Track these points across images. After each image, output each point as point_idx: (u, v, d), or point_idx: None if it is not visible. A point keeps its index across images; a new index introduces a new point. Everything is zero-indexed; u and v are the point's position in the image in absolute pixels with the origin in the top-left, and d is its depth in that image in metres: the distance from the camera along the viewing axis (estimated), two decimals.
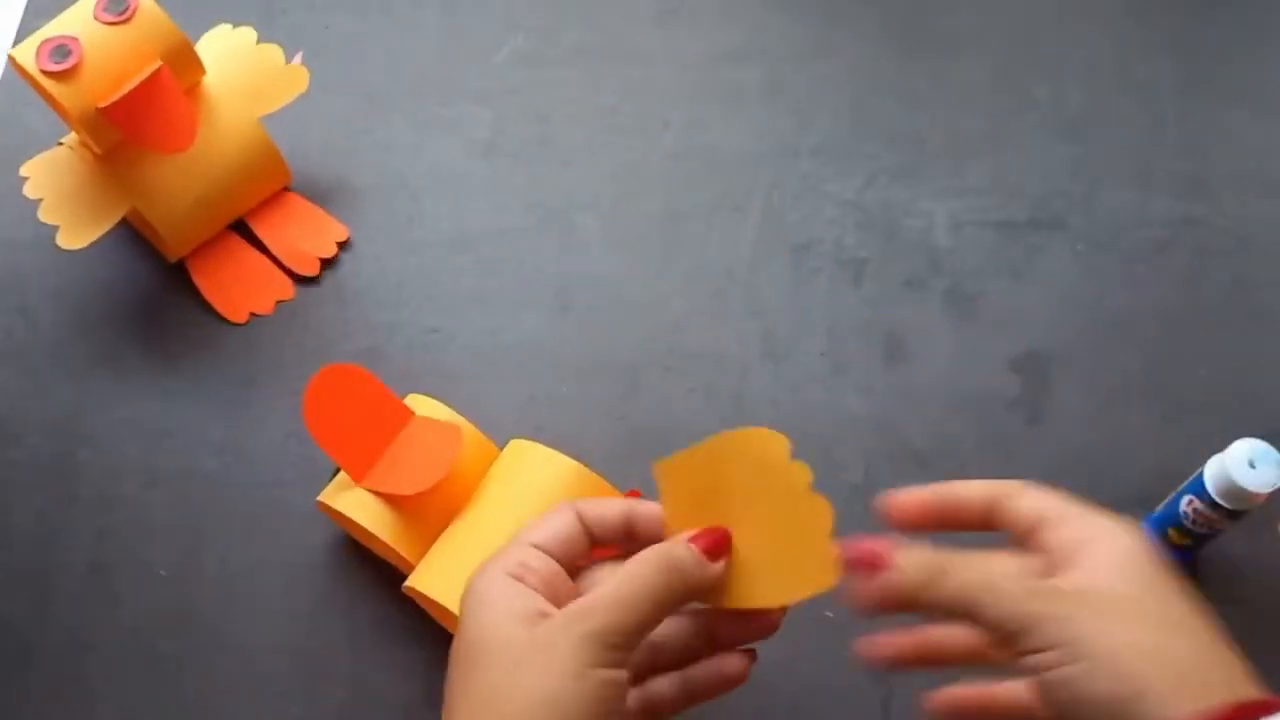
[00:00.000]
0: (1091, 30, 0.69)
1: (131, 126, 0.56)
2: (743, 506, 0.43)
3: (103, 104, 0.55)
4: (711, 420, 0.59)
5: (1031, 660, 0.35)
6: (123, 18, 0.56)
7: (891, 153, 0.66)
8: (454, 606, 0.49)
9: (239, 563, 0.57)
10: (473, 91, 0.68)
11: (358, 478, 0.52)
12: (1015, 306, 0.62)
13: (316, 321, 0.62)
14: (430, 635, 0.55)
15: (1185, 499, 0.53)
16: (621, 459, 0.57)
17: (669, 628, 0.43)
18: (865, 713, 0.53)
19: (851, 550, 0.40)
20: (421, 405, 0.55)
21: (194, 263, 0.62)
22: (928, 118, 0.67)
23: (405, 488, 0.51)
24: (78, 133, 0.58)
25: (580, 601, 0.40)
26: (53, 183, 0.59)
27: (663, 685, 0.43)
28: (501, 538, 0.50)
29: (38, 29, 0.57)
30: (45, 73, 0.55)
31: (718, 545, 0.42)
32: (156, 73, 0.56)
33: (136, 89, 0.55)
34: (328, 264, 0.63)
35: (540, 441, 0.53)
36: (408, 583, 0.51)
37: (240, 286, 0.62)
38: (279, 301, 0.62)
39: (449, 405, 0.54)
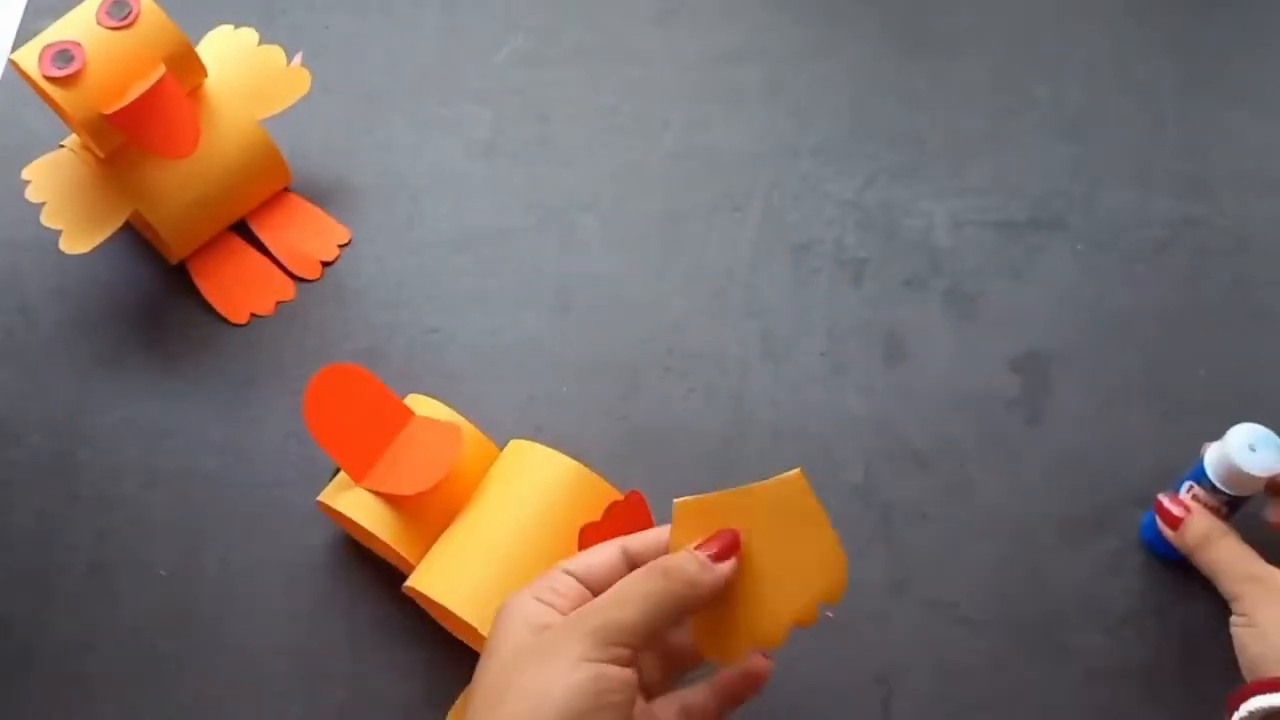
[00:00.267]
0: (1091, 30, 0.69)
1: (136, 132, 0.57)
2: (755, 553, 0.43)
3: (107, 110, 0.55)
4: (712, 420, 0.59)
5: (1235, 618, 0.50)
6: (125, 22, 0.56)
7: (891, 153, 0.66)
8: (454, 606, 0.49)
9: (239, 563, 0.57)
10: (473, 91, 0.68)
11: (358, 478, 0.53)
12: (1015, 306, 0.62)
13: (316, 321, 0.62)
14: (430, 635, 0.55)
15: (1185, 486, 0.54)
16: (621, 459, 0.57)
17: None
18: (865, 713, 0.53)
19: (1161, 505, 0.54)
20: (421, 405, 0.55)
21: (195, 264, 0.63)
22: (928, 118, 0.67)
23: (405, 488, 0.51)
24: (80, 137, 0.59)
25: (585, 605, 0.41)
26: (55, 186, 0.59)
27: (696, 695, 0.44)
28: (502, 538, 0.51)
29: (38, 30, 0.57)
30: (48, 78, 0.55)
31: (726, 548, 0.43)
32: (161, 80, 0.56)
33: (142, 96, 0.55)
34: (328, 264, 0.63)
35: (540, 441, 0.53)
36: (408, 583, 0.52)
37: (241, 287, 0.62)
38: (279, 302, 0.63)
39: (449, 405, 0.55)
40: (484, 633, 0.48)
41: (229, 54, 0.62)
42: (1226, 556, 0.52)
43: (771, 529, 0.43)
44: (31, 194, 0.59)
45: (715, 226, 0.64)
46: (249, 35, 0.63)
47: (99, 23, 0.56)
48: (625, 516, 0.51)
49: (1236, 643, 0.50)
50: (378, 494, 0.52)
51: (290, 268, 0.63)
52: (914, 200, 0.65)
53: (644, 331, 0.62)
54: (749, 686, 0.44)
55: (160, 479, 0.58)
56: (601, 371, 0.61)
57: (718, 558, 0.42)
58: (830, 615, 0.43)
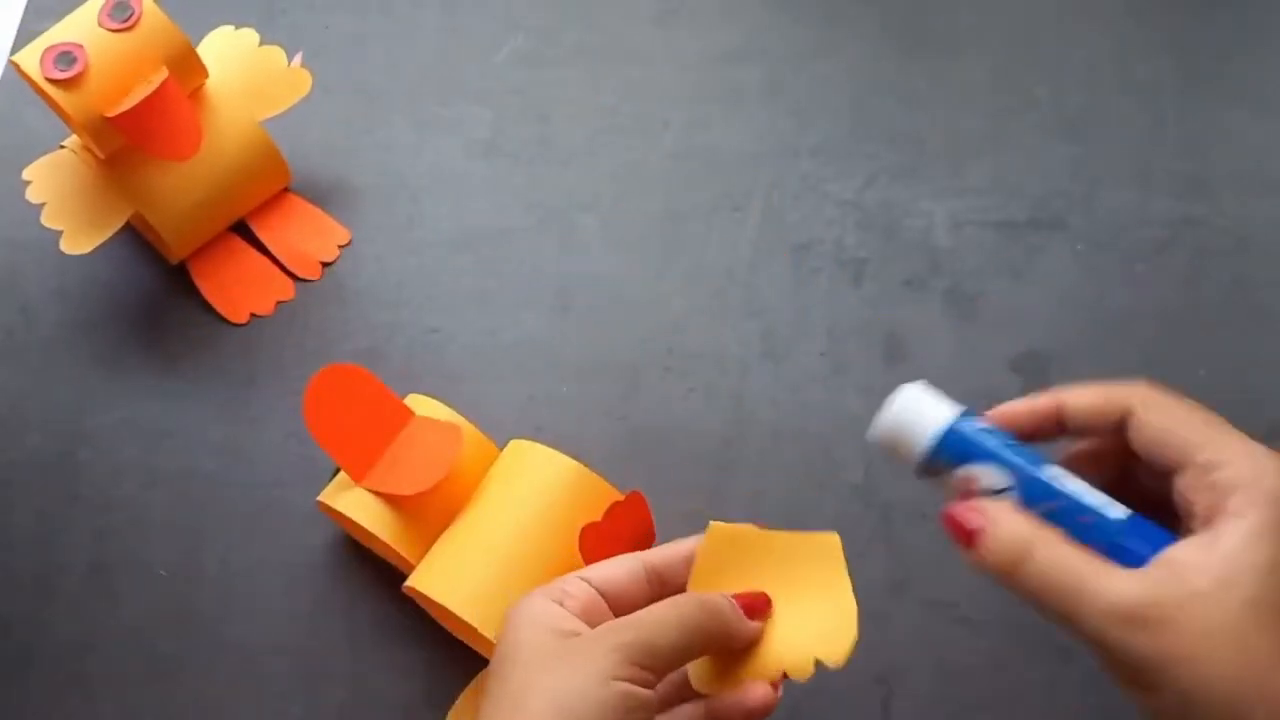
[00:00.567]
0: (1091, 30, 0.69)
1: (139, 135, 0.57)
2: (772, 596, 0.44)
3: (109, 113, 0.55)
4: (712, 420, 0.59)
5: (1125, 690, 0.35)
6: (127, 24, 0.56)
7: (891, 153, 0.66)
8: (454, 606, 0.49)
9: (239, 563, 0.57)
10: (473, 91, 0.68)
11: (358, 478, 0.53)
12: (1015, 306, 0.62)
13: (316, 321, 0.62)
14: (430, 635, 0.55)
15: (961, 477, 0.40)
16: (621, 459, 0.57)
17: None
18: (865, 713, 0.53)
19: (947, 519, 0.38)
20: (421, 405, 0.55)
21: (195, 264, 0.63)
22: (928, 118, 0.67)
23: (405, 488, 0.51)
24: (81, 138, 0.59)
25: (618, 619, 0.41)
26: (55, 187, 0.59)
27: (687, 711, 0.43)
28: (502, 538, 0.51)
29: (38, 31, 0.57)
30: (50, 80, 0.55)
31: (757, 608, 0.43)
32: (163, 83, 0.56)
33: (144, 100, 0.55)
34: (328, 264, 0.64)
35: (540, 441, 0.53)
36: (408, 583, 0.52)
37: (241, 287, 0.62)
38: (279, 302, 0.63)
39: (449, 405, 0.55)
40: (484, 633, 0.48)
41: (229, 55, 0.62)
42: (1064, 580, 0.35)
43: (794, 578, 0.44)
44: (32, 195, 0.59)
45: (715, 226, 0.64)
46: (249, 36, 0.63)
47: (101, 25, 0.56)
48: (626, 517, 0.51)
49: None
50: (378, 494, 0.52)
51: (290, 268, 0.63)
52: (914, 200, 0.65)
53: (644, 331, 0.62)
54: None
55: (160, 479, 0.59)
56: (601, 371, 0.61)
57: (749, 614, 0.43)
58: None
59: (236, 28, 0.63)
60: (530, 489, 0.52)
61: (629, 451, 0.59)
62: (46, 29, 0.56)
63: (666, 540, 0.53)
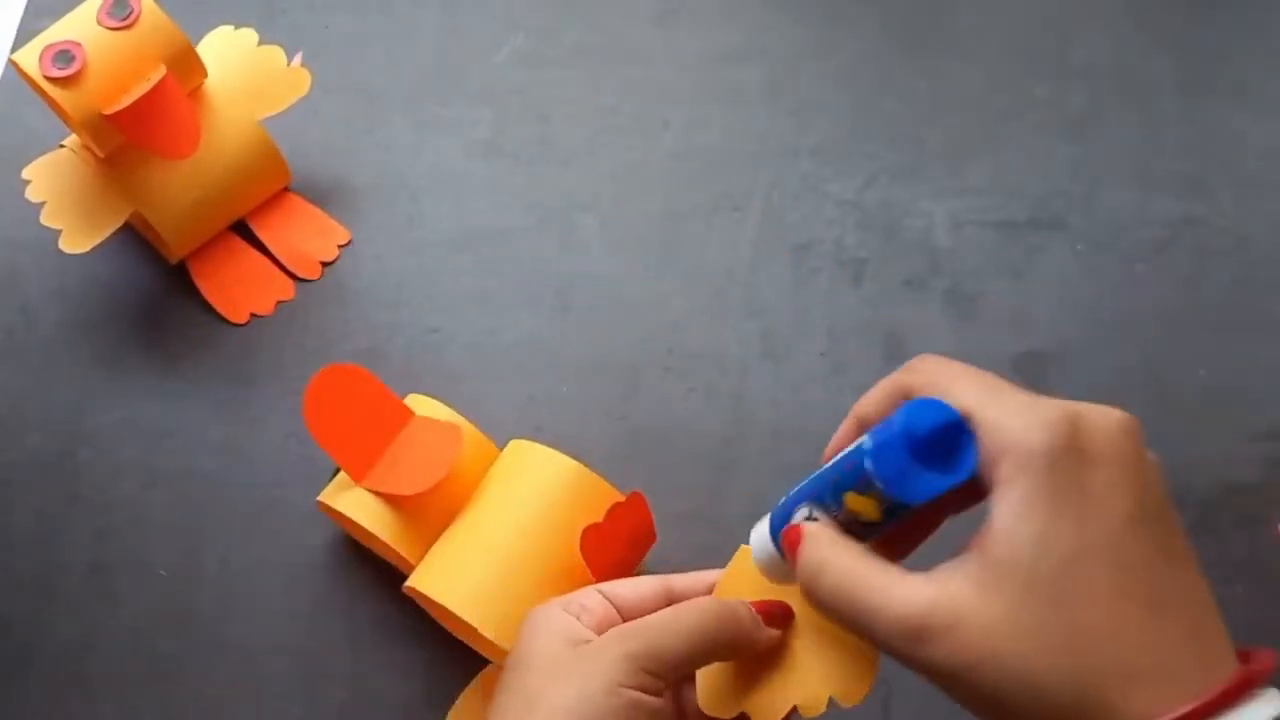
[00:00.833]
0: (1091, 30, 0.69)
1: (137, 133, 0.57)
2: (795, 628, 0.42)
3: (108, 111, 0.55)
4: (712, 420, 0.59)
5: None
6: (126, 22, 0.56)
7: (891, 153, 0.66)
8: (454, 606, 0.49)
9: (239, 563, 0.57)
10: (473, 91, 0.68)
11: (358, 478, 0.53)
12: (1015, 306, 0.62)
13: (316, 321, 0.62)
14: (430, 635, 0.55)
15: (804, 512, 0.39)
16: (621, 459, 0.57)
17: None
18: (865, 713, 0.53)
19: (784, 544, 0.38)
20: (421, 405, 0.55)
21: (195, 264, 0.63)
22: (928, 118, 0.67)
23: (405, 488, 0.51)
24: (80, 137, 0.59)
25: (627, 624, 0.40)
26: (55, 186, 0.59)
27: None
28: (502, 538, 0.51)
29: (38, 30, 0.57)
30: (49, 78, 0.55)
31: (778, 617, 0.41)
32: (162, 81, 0.56)
33: (143, 97, 0.55)
34: (328, 264, 0.64)
35: (540, 441, 0.53)
36: (408, 583, 0.52)
37: (241, 287, 0.62)
38: (279, 302, 0.63)
39: (449, 405, 0.55)
40: (484, 632, 0.48)
41: (229, 54, 0.62)
42: (850, 593, 0.34)
43: (820, 615, 0.43)
44: (31, 194, 0.59)
45: (715, 226, 0.64)
46: (249, 35, 0.63)
47: (100, 23, 0.56)
48: (626, 517, 0.51)
49: None
50: (378, 494, 0.52)
51: (290, 268, 0.63)
52: (914, 200, 0.65)
53: (644, 331, 0.62)
54: None
55: (160, 479, 0.58)
56: (601, 371, 0.61)
57: (767, 622, 0.41)
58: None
59: (236, 27, 0.63)
60: (530, 489, 0.52)
61: (629, 451, 0.59)
62: (47, 28, 0.56)
63: (666, 540, 0.54)
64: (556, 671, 0.39)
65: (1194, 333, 0.61)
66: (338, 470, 0.54)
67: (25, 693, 0.54)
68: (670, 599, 0.44)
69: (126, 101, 0.55)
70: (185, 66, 0.58)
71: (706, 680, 0.43)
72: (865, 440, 0.35)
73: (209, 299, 0.62)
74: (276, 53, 0.62)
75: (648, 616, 0.40)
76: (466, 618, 0.49)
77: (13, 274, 0.63)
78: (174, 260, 0.63)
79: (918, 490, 0.34)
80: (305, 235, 0.64)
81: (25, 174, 0.59)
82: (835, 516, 0.37)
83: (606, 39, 0.69)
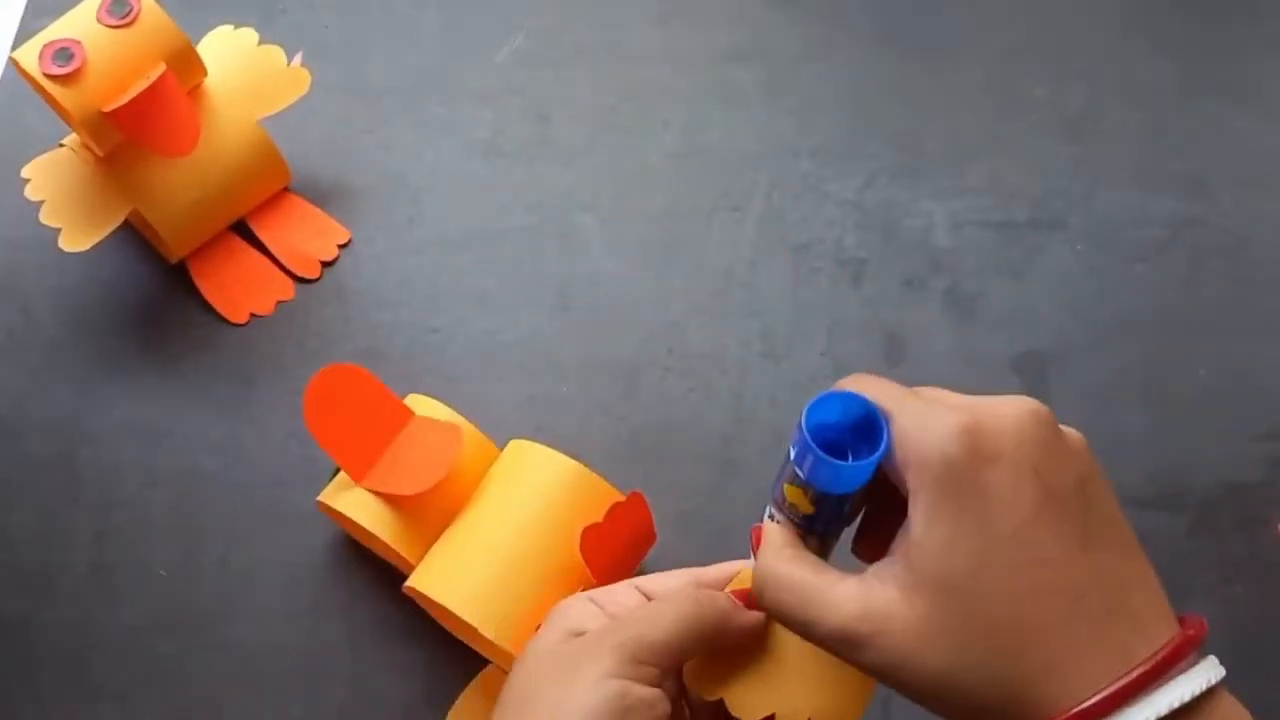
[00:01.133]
0: (1091, 30, 0.69)
1: (137, 130, 0.57)
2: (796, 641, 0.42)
3: (107, 108, 0.55)
4: (712, 420, 0.59)
5: None
6: (126, 21, 0.56)
7: (891, 153, 0.66)
8: (454, 606, 0.49)
9: (239, 563, 0.57)
10: (473, 91, 0.68)
11: (358, 478, 0.53)
12: (1015, 306, 0.62)
13: (316, 321, 0.62)
14: (430, 635, 0.55)
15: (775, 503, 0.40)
16: (621, 459, 0.57)
17: None
18: (865, 713, 0.53)
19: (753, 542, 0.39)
20: (421, 405, 0.55)
21: (194, 263, 0.63)
22: (928, 118, 0.67)
23: (405, 488, 0.51)
24: (80, 135, 0.59)
25: (616, 618, 0.41)
26: (54, 184, 0.59)
27: None
28: (502, 538, 0.51)
29: (38, 29, 0.57)
30: (48, 76, 0.55)
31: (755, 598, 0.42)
32: (161, 78, 0.56)
33: (142, 94, 0.55)
34: (328, 264, 0.63)
35: (540, 441, 0.53)
36: (408, 583, 0.52)
37: (241, 287, 0.62)
38: (279, 302, 0.63)
39: (449, 405, 0.55)
40: (484, 632, 0.48)
41: (229, 54, 0.62)
42: (796, 600, 0.36)
43: None
44: (31, 192, 0.59)
45: (715, 226, 0.64)
46: (249, 35, 0.63)
47: (99, 21, 0.56)
48: (626, 517, 0.51)
49: None
50: (378, 494, 0.52)
51: (290, 268, 0.63)
52: (914, 200, 0.65)
53: (644, 331, 0.62)
54: None
55: (160, 479, 0.58)
56: (601, 371, 0.61)
57: (748, 604, 0.41)
58: None
59: (236, 27, 0.63)
60: (530, 489, 0.52)
61: (629, 451, 0.59)
62: (46, 26, 0.56)
63: (666, 540, 0.54)
64: (549, 665, 0.40)
65: (1194, 333, 0.62)
66: (338, 470, 0.54)
67: (25, 692, 0.54)
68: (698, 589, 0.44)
69: (126, 98, 0.55)
70: (185, 65, 0.58)
71: (698, 662, 0.43)
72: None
73: (209, 299, 0.62)
74: (276, 52, 0.62)
75: (634, 609, 0.41)
76: (466, 618, 0.49)
77: (13, 274, 0.63)
78: (174, 260, 0.63)
79: (827, 476, 0.36)
80: (305, 235, 0.64)
81: (25, 172, 0.59)
82: (784, 511, 0.38)
83: (606, 39, 0.69)
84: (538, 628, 0.43)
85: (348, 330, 0.62)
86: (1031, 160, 0.66)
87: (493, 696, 0.41)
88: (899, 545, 0.34)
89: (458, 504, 0.53)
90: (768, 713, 0.40)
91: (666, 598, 0.41)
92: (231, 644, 0.55)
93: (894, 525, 0.35)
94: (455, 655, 0.54)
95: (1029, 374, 0.61)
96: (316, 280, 0.63)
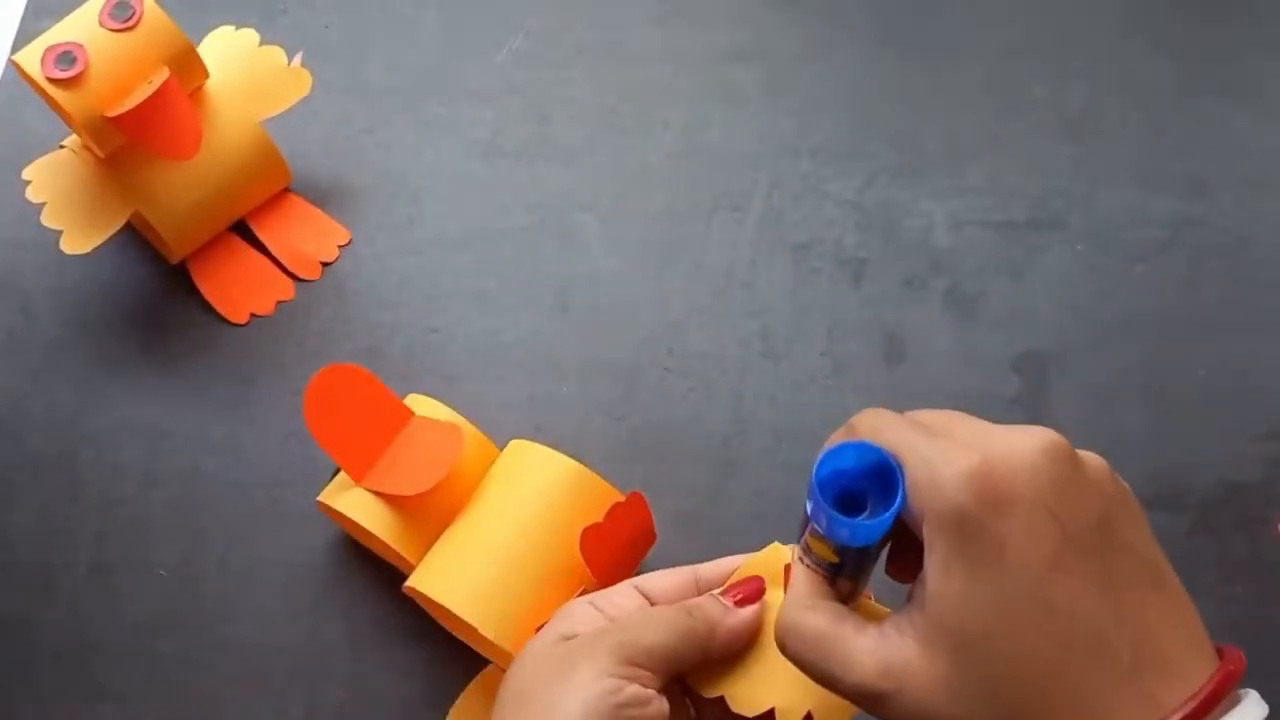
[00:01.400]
0: (1091, 30, 0.69)
1: (140, 135, 0.57)
2: None
3: (111, 113, 0.55)
4: (712, 420, 0.59)
5: None
6: (128, 24, 0.56)
7: (891, 153, 0.66)
8: (454, 606, 0.49)
9: (239, 563, 0.57)
10: (473, 91, 0.68)
11: (358, 478, 0.53)
12: (1015, 306, 0.62)
13: (316, 321, 0.62)
14: (430, 635, 0.55)
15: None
16: (621, 459, 0.57)
17: None
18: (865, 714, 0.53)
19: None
20: (421, 405, 0.55)
21: (195, 264, 0.63)
22: (928, 118, 0.67)
23: (405, 488, 0.51)
24: (82, 138, 0.59)
25: (611, 621, 0.41)
26: (55, 186, 0.59)
27: None
28: (502, 538, 0.51)
29: (39, 31, 0.57)
30: (51, 80, 0.55)
31: (749, 594, 0.43)
32: (166, 83, 0.56)
33: (146, 100, 0.55)
34: (328, 264, 0.64)
35: (540, 441, 0.53)
36: (408, 583, 0.52)
37: (241, 287, 0.62)
38: (279, 302, 0.63)
39: (449, 405, 0.55)
40: (484, 632, 0.48)
41: (230, 55, 0.62)
42: (817, 654, 0.35)
43: None
44: (32, 194, 0.59)
45: (715, 226, 0.64)
46: (250, 36, 0.63)
47: (101, 24, 0.56)
48: (626, 517, 0.51)
49: None
50: (378, 494, 0.52)
51: (290, 268, 0.63)
52: (914, 200, 0.65)
53: (644, 331, 0.62)
54: None
55: (160, 479, 0.59)
56: (601, 371, 0.61)
57: (740, 602, 0.42)
58: None
59: (237, 28, 0.63)
60: (530, 489, 0.52)
61: (629, 451, 0.59)
62: (47, 29, 0.56)
63: (666, 540, 0.54)
64: (546, 666, 0.40)
65: (1194, 333, 0.62)
66: (338, 470, 0.54)
67: (26, 692, 0.54)
68: (699, 588, 0.45)
69: (130, 104, 0.55)
70: (187, 67, 0.58)
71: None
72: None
73: (209, 299, 0.62)
74: (277, 53, 0.62)
75: (632, 612, 0.42)
76: (466, 618, 0.49)
77: (13, 274, 0.63)
78: (174, 260, 0.63)
79: (844, 534, 0.35)
80: (305, 235, 0.64)
81: (26, 174, 0.59)
82: (810, 557, 0.38)
83: (606, 39, 0.69)
84: (538, 629, 0.44)
85: (348, 330, 0.62)
86: (1031, 160, 0.66)
87: (493, 696, 0.41)
88: (917, 593, 0.33)
89: (458, 504, 0.53)
90: (768, 706, 0.41)
91: (661, 607, 0.42)
92: (231, 644, 0.55)
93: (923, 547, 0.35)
94: (455, 655, 0.54)
95: (1029, 374, 0.61)
96: (316, 280, 0.63)
